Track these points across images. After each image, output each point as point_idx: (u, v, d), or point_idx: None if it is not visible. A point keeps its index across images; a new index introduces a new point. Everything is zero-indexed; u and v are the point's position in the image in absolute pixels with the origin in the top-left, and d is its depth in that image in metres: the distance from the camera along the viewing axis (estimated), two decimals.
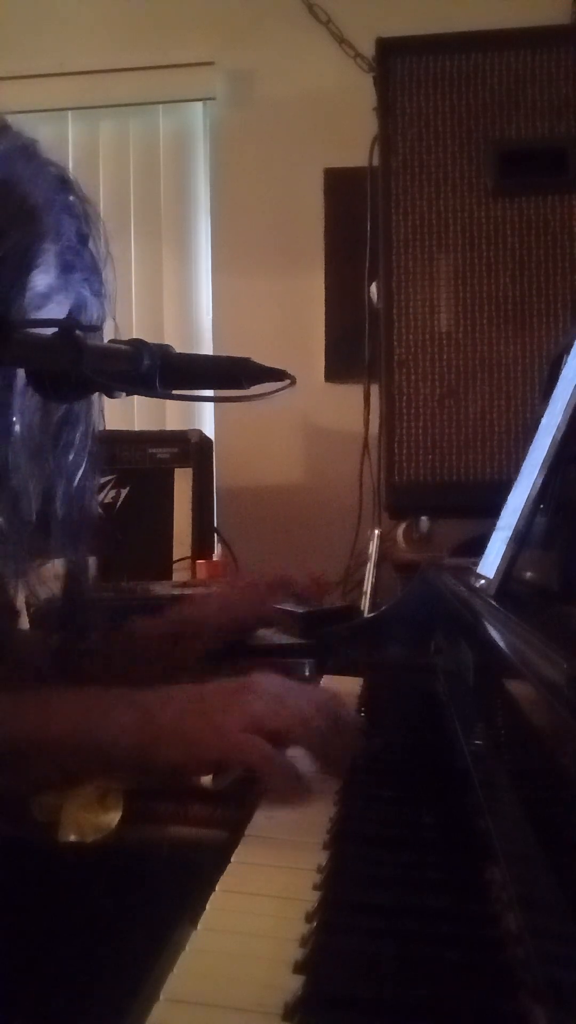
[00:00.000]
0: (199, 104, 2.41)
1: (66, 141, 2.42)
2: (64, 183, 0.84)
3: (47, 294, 0.79)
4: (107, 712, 0.70)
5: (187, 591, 1.53)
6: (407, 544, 1.78)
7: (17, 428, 0.80)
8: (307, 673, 1.36)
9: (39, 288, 0.78)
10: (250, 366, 0.81)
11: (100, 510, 0.97)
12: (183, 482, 1.90)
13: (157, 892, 0.64)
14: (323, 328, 2.32)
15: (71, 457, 0.90)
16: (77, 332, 0.72)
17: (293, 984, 0.42)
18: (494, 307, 1.67)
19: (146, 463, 1.91)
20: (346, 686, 1.07)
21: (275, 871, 0.56)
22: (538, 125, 1.68)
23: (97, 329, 0.84)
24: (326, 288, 2.32)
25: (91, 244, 0.83)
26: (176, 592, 1.53)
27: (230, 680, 0.74)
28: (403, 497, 1.72)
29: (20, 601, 0.92)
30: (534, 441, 0.91)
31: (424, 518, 1.77)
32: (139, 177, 2.44)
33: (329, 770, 0.72)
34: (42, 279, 0.78)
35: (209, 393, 0.99)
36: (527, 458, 0.91)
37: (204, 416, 2.38)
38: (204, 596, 1.16)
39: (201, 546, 1.88)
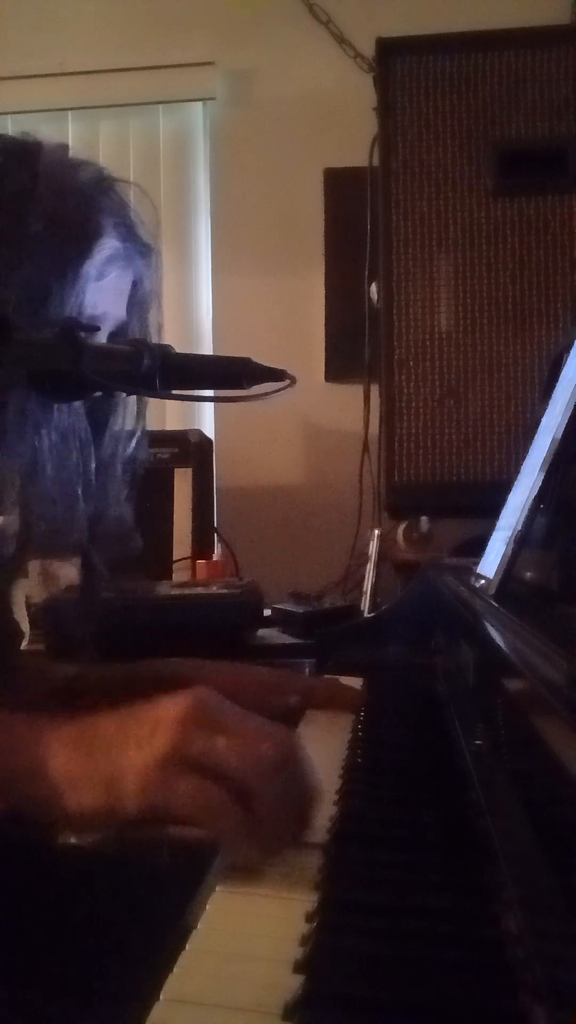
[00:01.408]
0: (199, 104, 2.41)
1: (66, 141, 2.42)
2: (105, 177, 0.89)
3: (110, 260, 0.84)
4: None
5: (187, 591, 1.53)
6: (407, 544, 1.78)
7: (49, 436, 0.82)
8: (307, 673, 1.36)
9: (102, 255, 0.83)
10: (250, 366, 0.81)
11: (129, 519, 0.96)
12: (183, 482, 1.90)
13: (157, 892, 0.64)
14: (323, 328, 2.32)
15: (103, 465, 0.90)
16: (77, 332, 0.72)
17: (293, 984, 0.42)
18: (494, 307, 1.67)
19: (146, 463, 1.91)
20: None
21: (275, 871, 0.56)
22: (538, 125, 1.68)
23: (97, 329, 0.84)
24: (326, 288, 2.32)
25: (139, 230, 0.89)
26: (176, 592, 1.53)
27: (155, 703, 0.60)
28: (403, 497, 1.72)
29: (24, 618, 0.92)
30: (534, 441, 0.91)
31: (424, 518, 1.77)
32: (139, 177, 2.42)
33: (266, 840, 0.56)
34: (104, 249, 0.84)
35: (209, 393, 0.99)
36: (527, 458, 0.91)
37: (204, 416, 2.38)
38: (212, 669, 1.01)
39: (201, 546, 1.88)
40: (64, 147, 0.87)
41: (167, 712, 0.58)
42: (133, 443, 0.95)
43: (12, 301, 0.76)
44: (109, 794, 0.57)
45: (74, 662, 1.05)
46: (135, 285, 0.89)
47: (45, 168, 0.82)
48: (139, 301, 0.91)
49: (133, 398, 0.93)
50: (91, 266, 0.82)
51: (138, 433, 0.95)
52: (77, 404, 0.84)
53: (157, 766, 0.56)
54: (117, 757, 0.58)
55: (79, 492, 0.86)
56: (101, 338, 0.85)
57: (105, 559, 0.95)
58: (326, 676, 1.15)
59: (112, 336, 0.88)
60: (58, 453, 0.83)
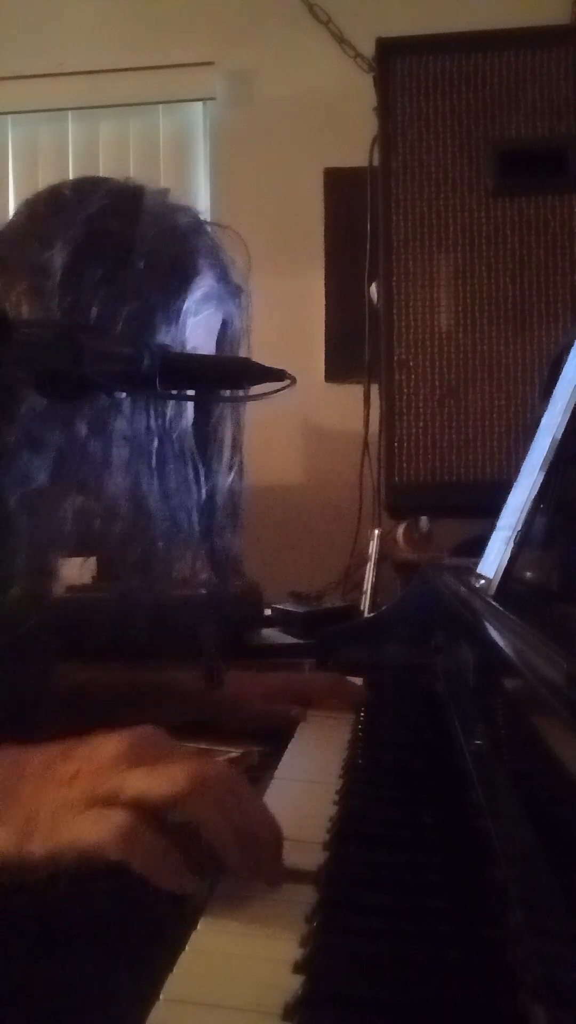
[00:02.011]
0: (199, 104, 2.41)
1: (66, 141, 2.42)
2: (201, 220, 0.95)
3: (205, 298, 0.88)
4: None
5: (187, 591, 1.53)
6: (407, 544, 1.78)
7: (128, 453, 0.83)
8: (307, 672, 1.36)
9: (198, 293, 0.87)
10: (250, 366, 0.81)
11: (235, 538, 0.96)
12: None
13: (157, 892, 0.64)
14: (323, 328, 2.32)
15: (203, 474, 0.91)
16: (77, 332, 0.72)
17: (293, 984, 0.42)
18: (494, 307, 1.67)
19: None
20: None
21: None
22: (538, 125, 1.68)
23: (104, 332, 0.84)
24: (326, 288, 2.32)
25: (232, 273, 0.94)
26: (176, 592, 1.52)
27: (122, 735, 0.56)
28: (403, 497, 1.72)
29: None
30: (534, 441, 0.91)
31: (424, 518, 1.77)
32: (139, 177, 2.43)
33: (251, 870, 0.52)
34: (200, 288, 0.88)
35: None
36: (527, 458, 0.91)
37: None
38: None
39: None
40: (164, 191, 0.92)
41: (98, 750, 0.55)
42: (233, 473, 0.96)
43: (118, 334, 0.80)
44: (21, 836, 0.52)
45: (82, 665, 1.05)
46: (225, 324, 0.94)
47: (147, 210, 0.86)
48: (229, 339, 0.95)
49: (227, 430, 0.95)
50: (189, 302, 0.86)
51: (237, 463, 0.97)
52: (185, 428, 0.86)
53: (72, 805, 0.51)
54: (35, 796, 0.53)
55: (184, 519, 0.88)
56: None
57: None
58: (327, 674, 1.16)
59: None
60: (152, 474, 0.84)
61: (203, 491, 0.90)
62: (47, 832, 0.51)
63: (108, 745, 0.55)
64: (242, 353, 0.95)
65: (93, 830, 0.50)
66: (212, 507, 0.92)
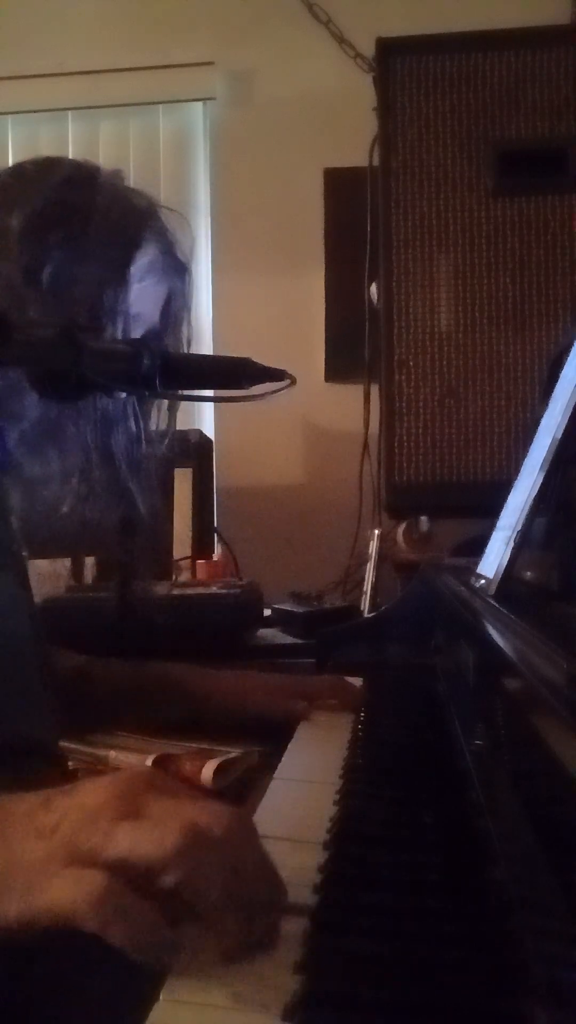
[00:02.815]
0: (199, 104, 2.41)
1: (66, 141, 2.42)
2: (154, 203, 1.01)
3: (150, 267, 0.94)
4: None
5: (187, 591, 1.53)
6: (407, 544, 1.78)
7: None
8: (307, 673, 1.36)
9: (144, 260, 0.93)
10: (250, 366, 0.81)
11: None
12: (183, 482, 1.90)
13: None
14: (323, 328, 2.32)
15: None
16: (77, 332, 0.72)
17: (293, 984, 0.42)
18: (494, 307, 1.67)
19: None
20: None
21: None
22: (538, 125, 1.68)
23: (99, 330, 0.84)
24: (326, 288, 2.32)
25: (177, 250, 0.99)
26: (176, 592, 1.52)
27: (108, 785, 0.50)
28: (403, 497, 1.72)
29: None
30: (534, 441, 0.91)
31: (424, 518, 1.77)
32: (139, 177, 2.42)
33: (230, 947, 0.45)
34: (147, 255, 0.93)
35: (209, 393, 1.00)
36: (527, 458, 0.91)
37: (204, 416, 2.38)
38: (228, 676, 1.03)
39: (201, 546, 1.88)
40: (119, 173, 1.00)
41: (82, 800, 0.49)
42: (165, 442, 1.01)
43: (77, 291, 0.87)
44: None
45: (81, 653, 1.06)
46: (169, 297, 0.98)
47: (103, 185, 0.94)
48: (172, 313, 0.99)
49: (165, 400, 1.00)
50: (135, 268, 0.92)
51: (170, 433, 1.02)
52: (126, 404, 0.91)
53: (49, 863, 0.46)
54: (12, 851, 0.47)
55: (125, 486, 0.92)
56: (135, 336, 0.93)
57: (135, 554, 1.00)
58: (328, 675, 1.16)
59: (143, 339, 0.95)
60: (102, 451, 0.90)
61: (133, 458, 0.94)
62: (21, 892, 0.46)
63: (93, 794, 0.49)
64: (184, 329, 1.01)
65: (67, 894, 0.44)
66: (132, 492, 0.95)
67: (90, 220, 0.90)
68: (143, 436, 0.94)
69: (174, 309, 0.99)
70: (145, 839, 0.45)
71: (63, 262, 0.87)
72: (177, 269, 0.99)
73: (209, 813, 0.47)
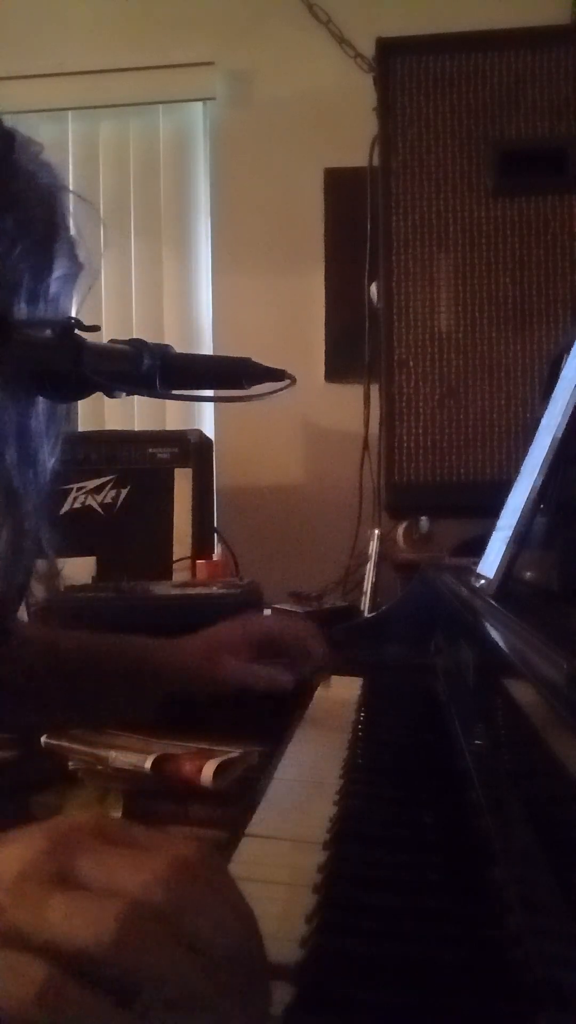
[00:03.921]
0: (199, 104, 2.41)
1: (66, 141, 2.42)
2: (60, 184, 0.84)
3: (63, 280, 0.81)
4: None
5: (187, 591, 1.53)
6: (407, 544, 1.78)
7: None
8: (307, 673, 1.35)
9: (58, 272, 0.79)
10: (250, 366, 0.81)
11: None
12: (183, 482, 1.90)
13: None
14: (323, 328, 2.32)
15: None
16: (77, 332, 0.72)
17: (293, 985, 0.42)
18: (494, 307, 1.67)
19: (146, 463, 1.91)
20: (346, 686, 1.07)
21: (275, 871, 0.56)
22: (538, 125, 1.68)
23: (97, 329, 0.84)
24: (326, 288, 2.32)
25: (78, 249, 0.85)
26: (176, 592, 1.53)
27: (33, 842, 0.39)
28: (403, 497, 1.72)
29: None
30: (534, 441, 0.91)
31: (424, 518, 1.77)
32: (139, 177, 2.44)
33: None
34: (59, 268, 0.80)
35: (209, 393, 1.00)
36: (527, 458, 0.91)
37: (204, 416, 2.38)
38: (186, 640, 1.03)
39: (201, 546, 1.88)
40: (34, 143, 0.84)
41: (4, 862, 0.39)
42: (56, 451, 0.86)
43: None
44: None
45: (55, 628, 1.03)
46: (56, 300, 0.85)
47: (20, 160, 0.80)
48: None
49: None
50: (51, 281, 0.79)
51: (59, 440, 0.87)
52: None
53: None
54: None
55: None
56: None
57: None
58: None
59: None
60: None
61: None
62: None
63: (17, 852, 0.39)
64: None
65: (6, 990, 0.36)
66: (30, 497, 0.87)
67: (6, 208, 0.76)
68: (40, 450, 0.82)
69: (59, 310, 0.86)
70: (79, 921, 0.37)
71: None
72: (75, 274, 0.86)
73: (154, 868, 0.38)
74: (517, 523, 0.81)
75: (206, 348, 2.39)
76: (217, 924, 0.38)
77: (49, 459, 0.83)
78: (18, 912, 0.38)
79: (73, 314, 0.86)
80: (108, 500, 1.89)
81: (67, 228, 0.83)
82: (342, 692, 1.05)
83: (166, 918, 0.37)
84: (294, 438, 2.32)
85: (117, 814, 0.84)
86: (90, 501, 1.89)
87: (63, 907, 0.37)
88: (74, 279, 0.85)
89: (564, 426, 0.79)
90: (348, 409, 2.12)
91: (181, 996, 0.37)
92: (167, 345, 0.81)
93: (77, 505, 1.89)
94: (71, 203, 0.84)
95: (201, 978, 0.37)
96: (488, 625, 0.69)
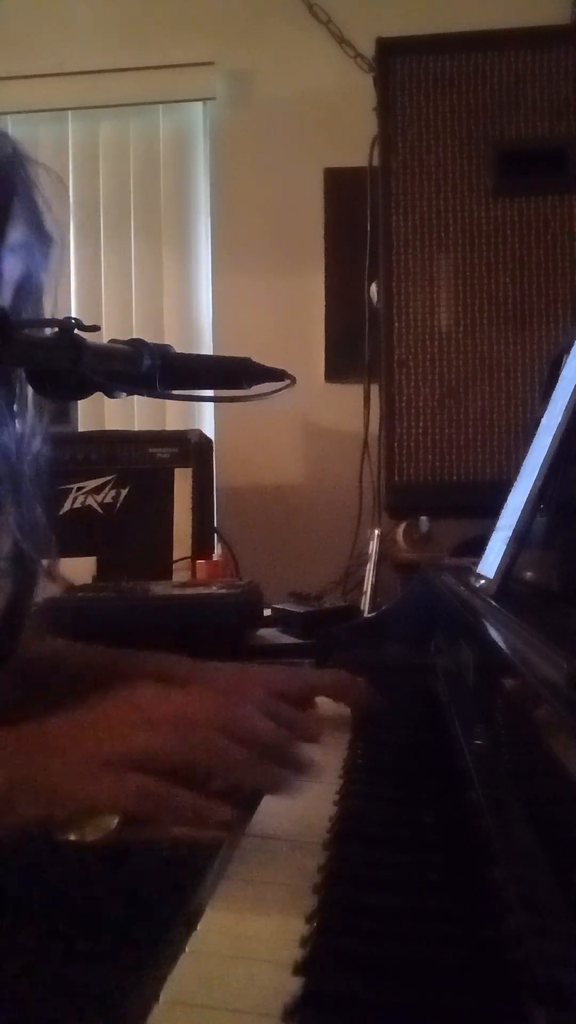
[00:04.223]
0: (199, 104, 2.41)
1: (66, 141, 2.42)
2: (19, 153, 0.83)
3: (13, 248, 0.80)
4: None
5: (187, 591, 1.53)
6: (407, 544, 1.78)
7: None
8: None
9: (10, 239, 0.79)
10: (250, 366, 0.81)
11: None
12: (183, 482, 1.90)
13: (157, 892, 0.63)
14: (323, 328, 2.32)
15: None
16: (77, 332, 0.72)
17: (293, 985, 0.42)
18: (494, 307, 1.67)
19: (146, 463, 1.91)
20: None
21: (275, 871, 0.56)
22: (538, 125, 1.68)
23: (97, 329, 0.84)
24: (326, 288, 2.32)
25: (45, 218, 0.84)
26: (176, 592, 1.53)
27: (116, 699, 0.62)
28: (403, 497, 1.72)
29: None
30: (534, 441, 0.91)
31: (424, 518, 1.77)
32: (139, 177, 2.44)
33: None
34: (14, 233, 0.80)
35: (209, 393, 0.99)
36: (527, 458, 0.91)
37: (204, 416, 2.38)
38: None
39: (201, 546, 1.88)
40: None
41: (114, 711, 0.60)
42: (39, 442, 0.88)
43: None
44: (50, 802, 0.55)
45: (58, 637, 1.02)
46: (28, 277, 0.85)
47: None
48: (30, 294, 0.85)
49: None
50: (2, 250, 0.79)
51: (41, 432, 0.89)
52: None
53: (94, 768, 0.55)
54: (57, 762, 0.57)
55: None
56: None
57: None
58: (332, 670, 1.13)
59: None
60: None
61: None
62: (72, 795, 0.55)
63: (119, 707, 0.60)
64: (47, 306, 0.88)
65: (112, 794, 0.54)
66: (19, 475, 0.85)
67: None
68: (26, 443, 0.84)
69: (31, 288, 0.86)
70: (157, 741, 0.56)
71: None
72: (42, 243, 0.85)
73: (198, 698, 0.62)
74: (517, 523, 0.81)
75: (206, 348, 2.39)
76: (254, 727, 0.59)
77: (33, 452, 0.83)
78: (113, 744, 0.56)
79: (46, 286, 0.86)
80: (108, 500, 1.89)
81: (27, 196, 0.81)
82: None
83: (208, 723, 0.57)
84: (294, 438, 2.33)
85: (118, 814, 0.84)
86: (90, 501, 1.89)
87: (143, 732, 0.57)
88: (40, 250, 0.84)
89: (564, 426, 0.79)
90: (348, 409, 2.12)
91: (238, 777, 0.57)
92: (167, 345, 0.81)
93: (77, 505, 1.89)
94: (36, 176, 0.82)
95: (248, 761, 0.57)
96: (488, 625, 0.69)
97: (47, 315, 0.87)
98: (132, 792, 0.54)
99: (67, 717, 0.60)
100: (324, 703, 1.01)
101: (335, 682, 0.99)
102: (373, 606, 1.74)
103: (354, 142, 1.92)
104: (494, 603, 0.77)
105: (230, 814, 0.57)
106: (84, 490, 1.89)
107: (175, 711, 0.59)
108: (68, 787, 0.55)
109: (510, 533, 0.81)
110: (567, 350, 0.90)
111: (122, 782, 0.54)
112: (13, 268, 0.82)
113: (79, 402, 1.84)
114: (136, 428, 2.30)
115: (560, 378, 0.89)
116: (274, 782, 0.59)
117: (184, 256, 2.44)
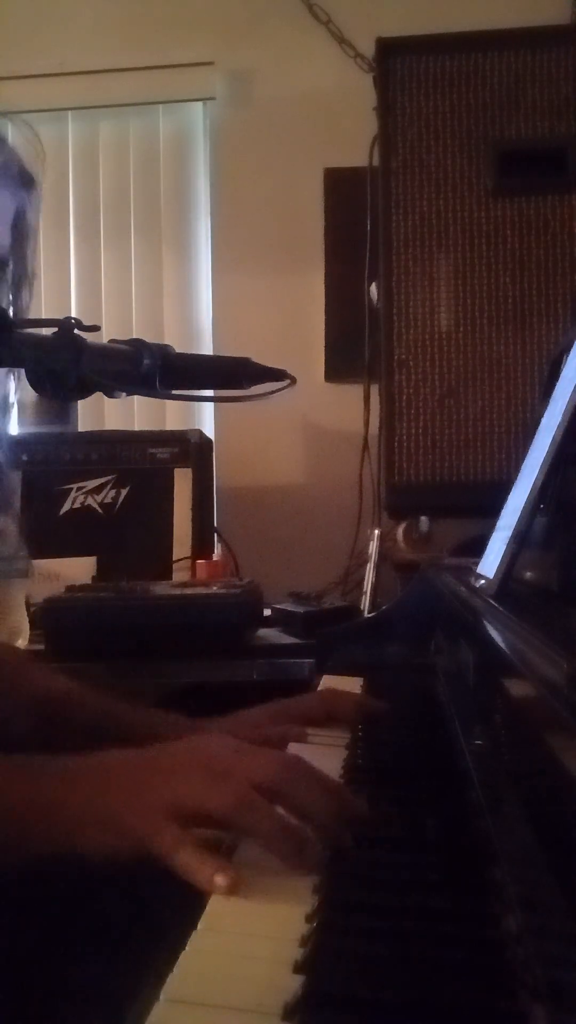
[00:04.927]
0: (199, 104, 2.41)
1: (66, 141, 2.42)
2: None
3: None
4: (11, 785, 0.61)
5: (187, 591, 1.53)
6: (407, 544, 1.78)
7: None
8: (306, 673, 1.36)
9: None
10: (250, 366, 0.81)
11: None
12: (183, 482, 1.90)
13: (157, 892, 0.64)
14: (323, 328, 2.32)
15: None
16: (77, 332, 0.72)
17: (293, 984, 0.42)
18: (494, 307, 1.67)
19: (146, 463, 1.91)
20: (346, 686, 1.07)
21: (275, 871, 0.56)
22: (538, 125, 1.68)
23: (97, 329, 0.84)
24: (326, 288, 2.32)
25: (24, 162, 0.90)
26: (176, 592, 1.53)
27: (163, 747, 0.65)
28: (403, 497, 1.72)
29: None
30: (534, 441, 0.91)
31: (424, 518, 1.77)
32: (139, 177, 2.44)
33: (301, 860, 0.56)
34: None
35: (209, 393, 0.99)
36: (527, 458, 0.91)
37: (204, 416, 2.38)
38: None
39: (201, 546, 1.88)
40: None
41: (182, 758, 0.62)
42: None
43: None
44: (119, 835, 0.58)
45: (70, 672, 0.99)
46: (18, 214, 0.89)
47: None
48: (21, 230, 0.90)
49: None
50: None
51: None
52: None
53: (159, 813, 0.57)
54: (123, 798, 0.59)
55: None
56: None
57: None
58: (322, 687, 1.07)
59: None
60: None
61: None
62: (129, 832, 0.58)
63: (188, 754, 0.63)
64: (30, 249, 0.92)
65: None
66: None
67: None
68: None
69: (22, 228, 0.90)
70: (260, 767, 0.60)
71: None
72: (26, 183, 0.90)
73: (263, 763, 0.61)
74: (517, 523, 0.81)
75: (206, 348, 2.39)
76: (314, 799, 0.59)
77: None
78: (177, 793, 0.59)
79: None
80: (108, 500, 1.89)
81: (3, 144, 0.84)
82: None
83: (303, 775, 0.61)
84: (294, 438, 2.32)
85: None
86: (90, 501, 1.89)
87: (250, 759, 0.62)
88: (27, 189, 0.86)
89: (564, 426, 0.79)
90: (348, 409, 2.12)
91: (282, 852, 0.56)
92: (167, 345, 0.81)
93: (77, 505, 1.89)
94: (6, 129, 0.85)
95: (299, 843, 0.56)
96: (488, 625, 0.69)
97: (32, 260, 0.89)
98: (189, 851, 0.55)
99: (133, 754, 0.63)
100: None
101: (322, 703, 0.93)
102: (373, 606, 1.74)
103: (354, 142, 1.92)
104: (494, 603, 0.77)
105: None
106: (84, 490, 1.89)
107: (245, 775, 0.59)
108: (131, 822, 0.58)
109: (510, 533, 0.81)
110: (567, 350, 0.90)
111: (181, 839, 0.56)
112: (6, 206, 0.85)
113: (79, 402, 1.84)
114: (136, 428, 2.30)
115: (560, 378, 0.89)
116: (309, 866, 0.56)
117: (184, 256, 2.44)
